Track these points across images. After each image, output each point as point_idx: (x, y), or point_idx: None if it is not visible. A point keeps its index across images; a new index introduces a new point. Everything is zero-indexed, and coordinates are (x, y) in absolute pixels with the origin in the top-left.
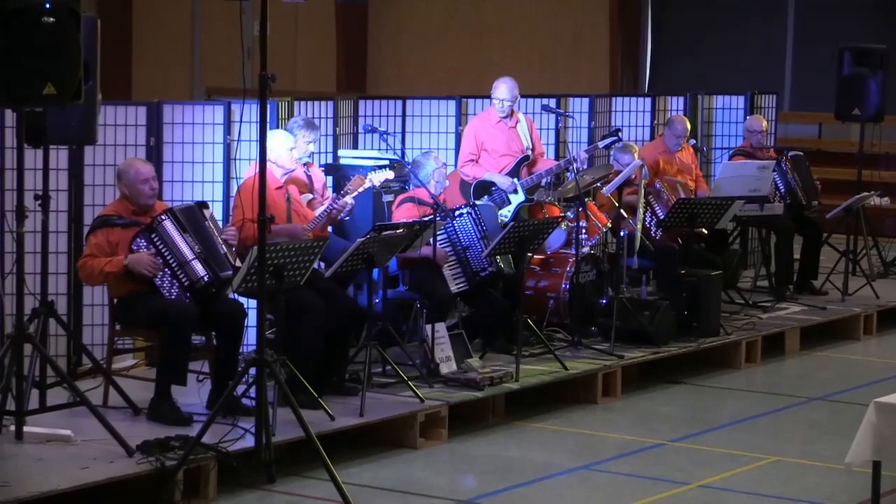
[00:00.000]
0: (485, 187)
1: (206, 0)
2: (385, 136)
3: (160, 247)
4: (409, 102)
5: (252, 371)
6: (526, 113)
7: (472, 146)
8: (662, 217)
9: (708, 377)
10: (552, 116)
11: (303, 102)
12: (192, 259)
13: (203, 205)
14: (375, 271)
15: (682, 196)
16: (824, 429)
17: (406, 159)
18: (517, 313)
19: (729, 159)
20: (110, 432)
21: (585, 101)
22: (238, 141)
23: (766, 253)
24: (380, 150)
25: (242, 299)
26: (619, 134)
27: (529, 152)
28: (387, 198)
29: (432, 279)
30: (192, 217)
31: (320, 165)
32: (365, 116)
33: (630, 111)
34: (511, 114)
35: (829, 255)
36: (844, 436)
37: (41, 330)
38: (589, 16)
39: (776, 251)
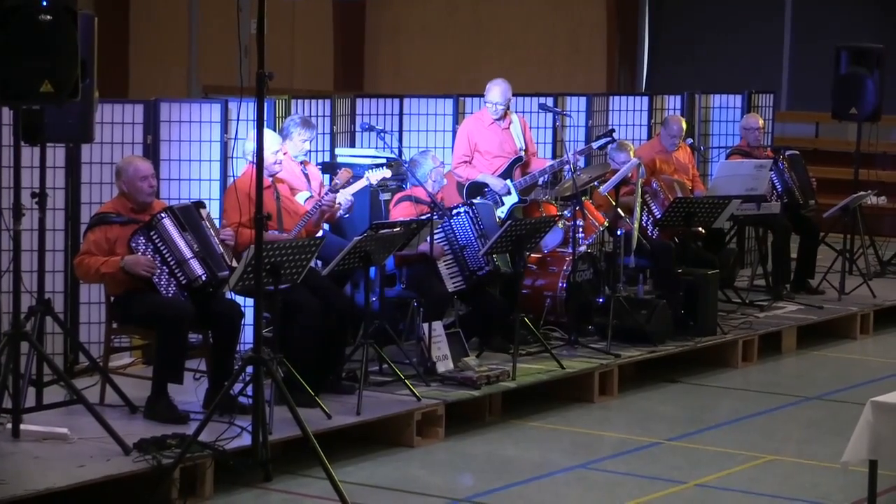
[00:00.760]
0: (477, 189)
1: None
2: (382, 134)
3: (159, 244)
4: (406, 101)
5: (249, 369)
6: (522, 112)
7: (465, 147)
8: (659, 216)
9: (704, 376)
10: (549, 115)
11: (300, 100)
12: (191, 258)
13: (200, 204)
14: (372, 270)
15: (679, 195)
16: (821, 428)
17: (403, 158)
18: (514, 312)
19: (726, 158)
20: (107, 430)
21: (583, 99)
22: (235, 139)
23: (762, 252)
24: (377, 148)
25: (239, 298)
26: (613, 134)
27: (522, 153)
28: (384, 196)
29: (429, 278)
30: (190, 216)
31: (317, 164)
32: (362, 115)
33: (627, 110)
34: (504, 115)
35: (825, 254)
36: (841, 435)
37: (38, 328)
38: (586, 15)
39: (773, 250)
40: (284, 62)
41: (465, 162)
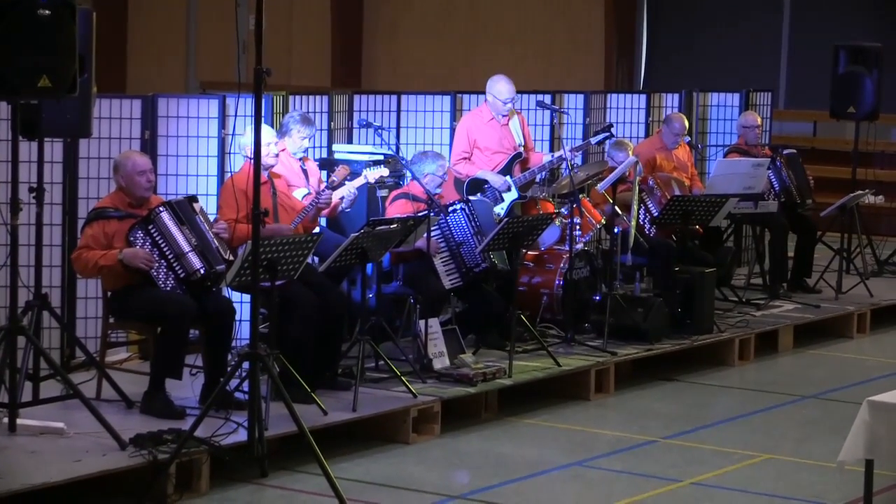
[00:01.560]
0: (477, 185)
1: None
2: (380, 131)
3: (157, 238)
4: (403, 97)
5: (245, 365)
6: (520, 109)
7: (464, 144)
8: (656, 214)
9: (701, 374)
10: (547, 113)
11: (298, 97)
12: (189, 251)
13: (192, 198)
14: (369, 266)
15: (677, 192)
16: (817, 427)
17: (401, 154)
18: (510, 309)
19: (724, 157)
20: (103, 425)
21: (580, 97)
22: (233, 135)
23: (759, 250)
24: (374, 145)
25: (236, 294)
26: (612, 129)
27: (522, 149)
28: (381, 193)
29: (426, 275)
30: (187, 211)
31: (315, 160)
32: (360, 111)
33: (625, 108)
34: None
35: (823, 253)
36: (837, 434)
37: (35, 322)
38: (584, 12)
39: (770, 249)
40: (282, 58)
41: (465, 158)
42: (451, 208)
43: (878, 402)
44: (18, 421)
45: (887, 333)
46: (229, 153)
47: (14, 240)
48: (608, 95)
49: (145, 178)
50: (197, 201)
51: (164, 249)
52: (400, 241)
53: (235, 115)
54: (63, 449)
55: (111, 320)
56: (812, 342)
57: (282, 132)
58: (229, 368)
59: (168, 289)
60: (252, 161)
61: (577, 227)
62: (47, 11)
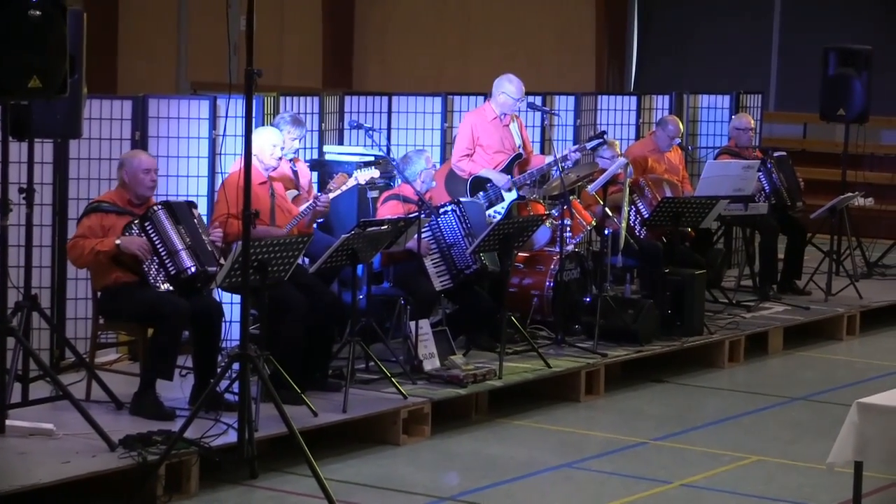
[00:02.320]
0: (480, 183)
1: None
2: (370, 132)
3: (152, 235)
4: (394, 99)
5: (235, 366)
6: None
7: (467, 141)
8: (647, 216)
9: (691, 376)
10: (538, 114)
11: (288, 98)
12: (182, 249)
13: (192, 204)
14: (360, 267)
15: (668, 194)
16: (806, 429)
17: (391, 155)
18: (501, 311)
19: (714, 159)
20: (93, 426)
21: (571, 98)
22: (223, 136)
23: (750, 252)
24: (365, 146)
25: (227, 295)
26: (605, 136)
27: (522, 151)
28: (371, 194)
29: (416, 276)
30: (184, 212)
31: (306, 161)
32: (350, 112)
33: (616, 109)
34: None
35: (812, 255)
36: (826, 436)
37: (24, 323)
38: (575, 13)
39: (760, 251)
40: (273, 59)
41: (467, 156)
42: (441, 210)
43: (868, 404)
44: (8, 422)
45: (877, 335)
46: (220, 154)
47: (3, 241)
48: (599, 97)
49: (149, 176)
50: (196, 207)
51: (158, 246)
52: (391, 243)
53: (226, 116)
54: (52, 450)
55: (101, 321)
56: (802, 344)
57: None
58: (219, 369)
59: (157, 285)
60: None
61: (568, 229)
62: (38, 12)
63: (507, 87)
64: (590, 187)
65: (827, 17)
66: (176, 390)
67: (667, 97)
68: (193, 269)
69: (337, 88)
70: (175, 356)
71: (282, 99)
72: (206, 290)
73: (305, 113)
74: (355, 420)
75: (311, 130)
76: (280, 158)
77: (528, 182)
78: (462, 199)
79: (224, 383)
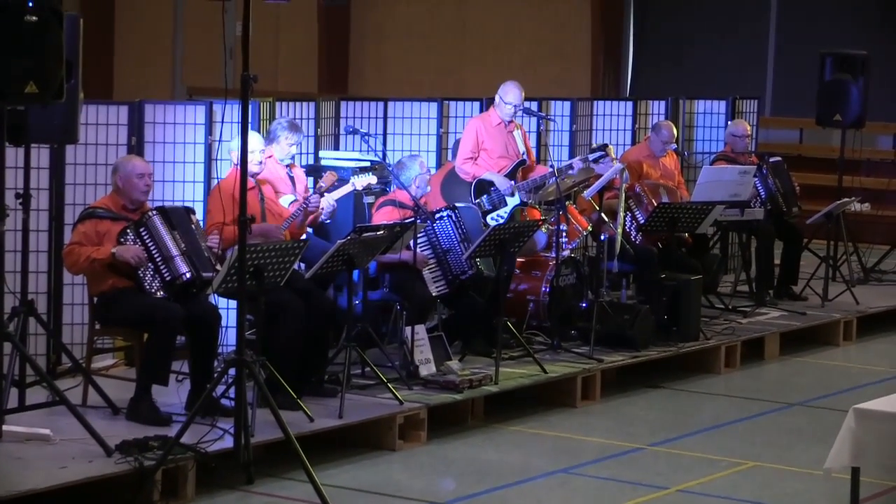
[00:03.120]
0: (483, 186)
1: (188, 0)
2: (366, 137)
3: (147, 241)
4: (390, 104)
5: (231, 371)
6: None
7: (472, 144)
8: (643, 221)
9: (687, 381)
10: (534, 119)
11: (284, 103)
12: (177, 255)
13: (190, 210)
14: (356, 273)
15: (664, 199)
16: (803, 434)
17: (387, 161)
18: (497, 316)
19: (710, 164)
20: (89, 432)
21: (567, 104)
22: (220, 141)
23: (746, 258)
24: (361, 151)
25: (223, 300)
26: (607, 149)
27: (525, 157)
28: (367, 200)
29: (412, 281)
30: (181, 218)
31: (302, 166)
32: (346, 118)
33: (611, 115)
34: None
35: (809, 260)
36: (823, 442)
37: (21, 328)
38: (571, 18)
39: (756, 256)
40: (269, 64)
41: (471, 159)
42: (437, 215)
43: (865, 410)
44: (4, 427)
45: (873, 341)
46: (216, 159)
47: (0, 246)
48: (595, 102)
49: (143, 181)
50: (194, 213)
51: (153, 252)
52: (386, 248)
53: (222, 122)
54: (49, 455)
55: (97, 326)
56: (798, 350)
57: (269, 139)
58: (216, 375)
59: (153, 291)
60: (239, 167)
61: (564, 234)
62: (34, 17)
63: (508, 95)
64: (586, 192)
65: (823, 22)
66: (172, 395)
67: (663, 103)
68: (189, 275)
69: (333, 94)
70: (169, 361)
71: (278, 104)
72: (203, 296)
73: (301, 118)
74: (351, 425)
75: (307, 136)
76: (262, 163)
77: (530, 188)
78: (458, 205)
79: (220, 389)
